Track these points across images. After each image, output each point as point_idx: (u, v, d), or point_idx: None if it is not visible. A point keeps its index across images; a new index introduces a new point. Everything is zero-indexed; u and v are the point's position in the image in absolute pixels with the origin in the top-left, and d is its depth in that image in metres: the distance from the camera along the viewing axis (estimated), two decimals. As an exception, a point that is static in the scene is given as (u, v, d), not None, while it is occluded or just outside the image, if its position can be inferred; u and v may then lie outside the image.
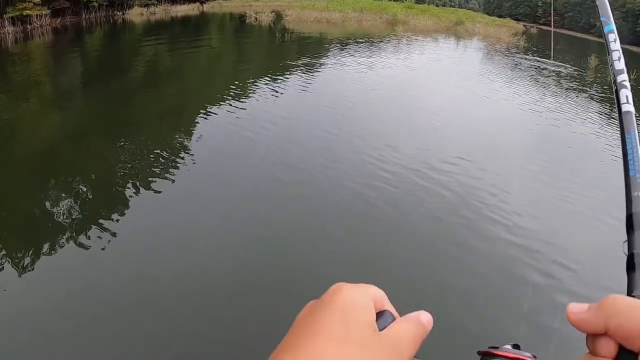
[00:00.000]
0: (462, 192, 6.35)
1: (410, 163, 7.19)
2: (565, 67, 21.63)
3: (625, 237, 0.53)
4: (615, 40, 0.76)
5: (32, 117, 8.89)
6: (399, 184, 6.44)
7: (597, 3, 0.85)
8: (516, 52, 24.91)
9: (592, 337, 0.40)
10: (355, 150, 7.55)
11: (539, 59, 23.09)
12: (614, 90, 0.69)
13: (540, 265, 4.84)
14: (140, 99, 10.75)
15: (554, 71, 19.71)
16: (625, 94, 0.67)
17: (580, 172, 7.82)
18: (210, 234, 5.01)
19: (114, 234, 4.81)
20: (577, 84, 17.37)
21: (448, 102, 11.89)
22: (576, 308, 0.41)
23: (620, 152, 0.61)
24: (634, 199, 0.55)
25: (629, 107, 0.65)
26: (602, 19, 0.81)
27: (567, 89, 16.10)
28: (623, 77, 0.69)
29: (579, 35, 52.97)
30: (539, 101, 13.30)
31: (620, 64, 0.71)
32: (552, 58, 24.08)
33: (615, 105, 0.67)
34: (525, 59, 22.58)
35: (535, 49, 28.06)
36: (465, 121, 10.32)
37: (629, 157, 0.58)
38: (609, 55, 0.74)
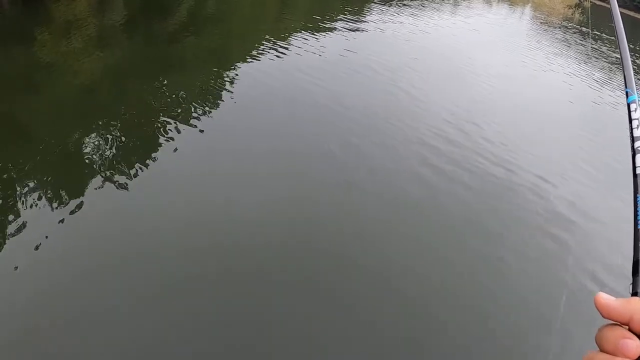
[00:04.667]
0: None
1: (443, 139, 7.10)
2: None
3: (631, 280, 0.60)
4: (636, 110, 0.83)
5: (75, 56, 8.74)
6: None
7: (624, 74, 0.93)
8: (573, 26, 23.58)
9: (613, 333, 0.48)
10: (384, 118, 7.56)
11: (598, 34, 21.78)
12: (631, 154, 0.76)
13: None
14: (182, 41, 10.70)
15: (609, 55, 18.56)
16: None
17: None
18: (246, 183, 5.14)
19: (145, 177, 5.00)
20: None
21: (497, 73, 11.75)
22: (606, 296, 0.51)
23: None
24: None
25: None
26: (626, 89, 0.88)
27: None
28: None
29: (632, 14, 49.51)
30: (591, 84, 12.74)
31: (638, 132, 0.79)
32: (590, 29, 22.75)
33: (632, 169, 0.74)
34: (581, 34, 21.35)
35: (593, 24, 26.51)
36: (509, 98, 10.36)
37: (639, 213, 0.66)
38: (630, 123, 0.82)
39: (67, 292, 3.49)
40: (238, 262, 4.07)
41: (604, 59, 17.01)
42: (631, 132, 0.81)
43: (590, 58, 16.37)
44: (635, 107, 0.84)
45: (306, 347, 3.47)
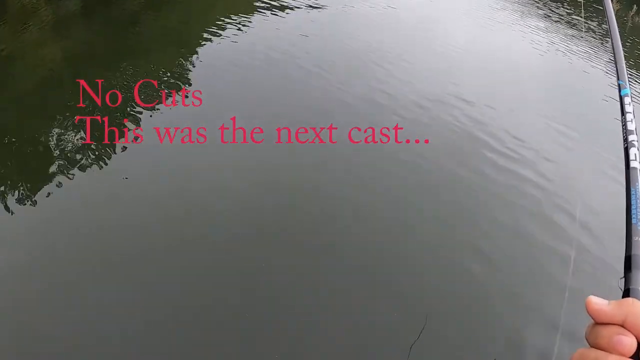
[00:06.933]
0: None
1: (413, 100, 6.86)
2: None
3: (622, 274, 0.57)
4: (629, 104, 0.81)
5: (32, 47, 8.54)
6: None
7: (616, 67, 0.91)
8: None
9: (606, 330, 0.47)
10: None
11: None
12: (624, 147, 0.73)
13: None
14: (142, 24, 10.35)
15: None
16: (634, 152, 0.72)
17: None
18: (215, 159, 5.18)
19: (119, 159, 5.05)
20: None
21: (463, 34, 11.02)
22: (597, 300, 0.49)
23: (625, 202, 0.65)
24: (634, 243, 0.60)
25: (635, 164, 0.71)
26: (619, 82, 0.87)
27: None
28: (633, 137, 0.74)
29: None
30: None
31: (632, 125, 0.77)
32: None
33: (624, 162, 0.71)
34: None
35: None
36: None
37: (632, 207, 0.64)
38: (623, 116, 0.79)
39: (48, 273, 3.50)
40: (220, 227, 4.19)
41: (591, 32, 16.17)
42: (624, 125, 0.78)
43: (585, 30, 15.45)
44: (629, 100, 0.83)
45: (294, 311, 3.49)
